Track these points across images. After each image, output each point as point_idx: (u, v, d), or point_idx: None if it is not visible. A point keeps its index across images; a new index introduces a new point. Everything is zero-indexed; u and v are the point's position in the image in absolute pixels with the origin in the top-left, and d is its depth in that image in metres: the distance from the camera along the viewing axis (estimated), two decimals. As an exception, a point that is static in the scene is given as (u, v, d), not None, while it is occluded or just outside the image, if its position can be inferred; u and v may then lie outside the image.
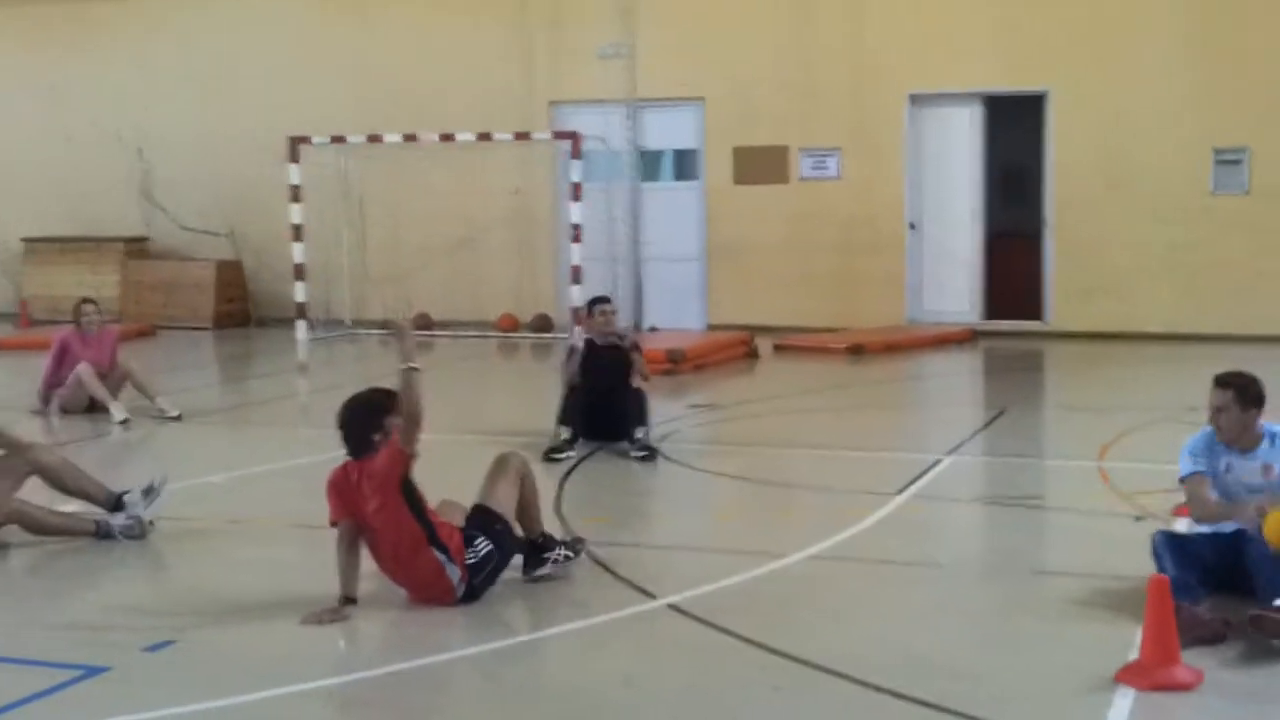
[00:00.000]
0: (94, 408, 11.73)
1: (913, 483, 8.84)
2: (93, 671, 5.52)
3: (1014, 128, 17.89)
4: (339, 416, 6.37)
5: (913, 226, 17.83)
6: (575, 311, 15.75)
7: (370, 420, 6.28)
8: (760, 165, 18.21)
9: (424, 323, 18.77)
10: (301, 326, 18.26)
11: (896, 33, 17.60)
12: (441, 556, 6.17)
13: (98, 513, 7.66)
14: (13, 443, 7.81)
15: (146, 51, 20.62)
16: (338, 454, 6.54)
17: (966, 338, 16.97)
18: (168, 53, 20.50)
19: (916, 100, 17.72)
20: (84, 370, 11.69)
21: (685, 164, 18.87)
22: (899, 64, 17.58)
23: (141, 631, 6.01)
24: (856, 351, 15.71)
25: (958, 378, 15.07)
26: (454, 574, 6.19)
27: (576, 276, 17.14)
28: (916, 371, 15.02)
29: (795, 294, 18.02)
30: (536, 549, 6.59)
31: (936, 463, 9.53)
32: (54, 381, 11.99)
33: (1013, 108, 17.71)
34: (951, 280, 17.92)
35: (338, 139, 18.39)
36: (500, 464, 6.66)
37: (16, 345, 17.24)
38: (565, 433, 9.90)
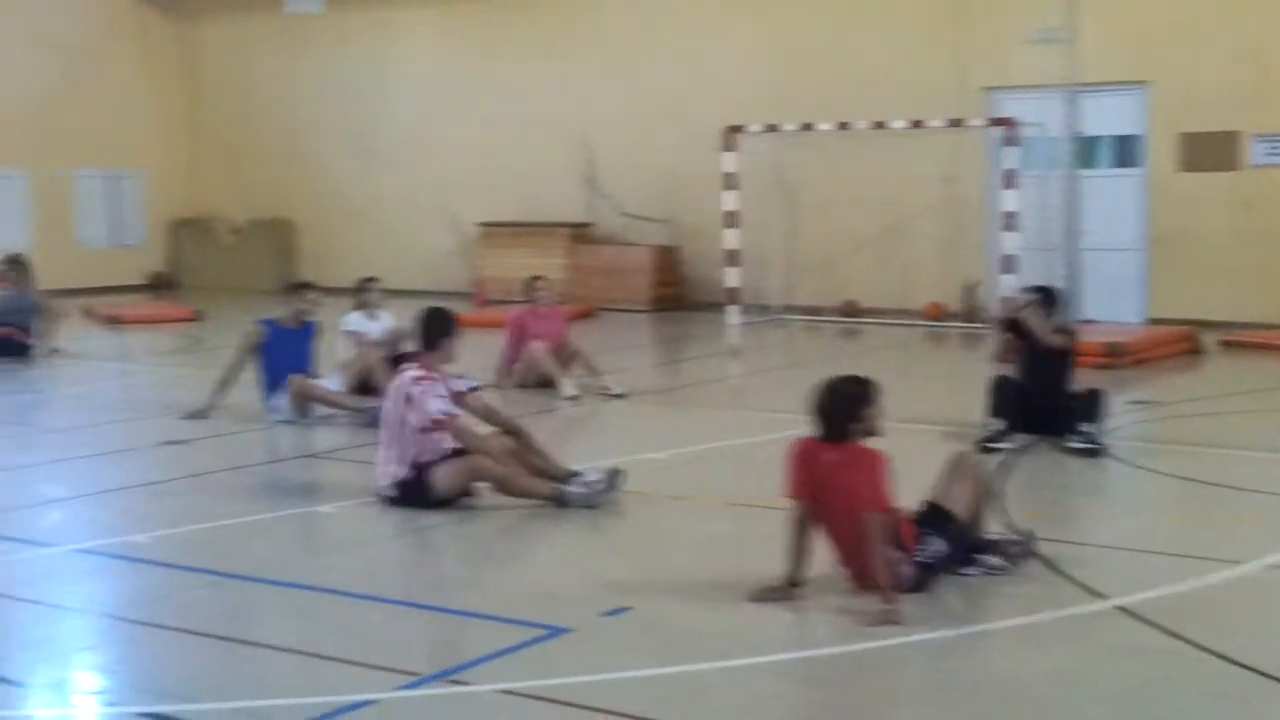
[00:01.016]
0: (546, 383, 12.45)
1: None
2: (555, 632, 5.91)
3: None
4: (819, 398, 6.31)
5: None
6: (1006, 300, 15.47)
7: (853, 409, 6.27)
8: (1208, 151, 17.32)
9: (851, 309, 18.91)
10: (733, 311, 18.72)
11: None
12: (897, 553, 6.22)
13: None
14: (501, 421, 8.42)
15: (584, 42, 21.58)
16: (769, 435, 6.74)
17: None
18: (604, 44, 21.39)
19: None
20: (538, 348, 12.44)
21: (1126, 150, 18.16)
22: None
23: (598, 597, 6.38)
24: (1314, 350, 14.75)
25: None
26: (906, 571, 6.24)
27: (1009, 266, 16.83)
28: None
29: (1244, 288, 17.05)
30: (974, 549, 6.56)
31: None
32: (513, 358, 12.81)
33: None
34: None
35: (771, 127, 18.74)
36: (958, 463, 6.68)
37: (474, 323, 18.38)
38: (998, 424, 9.79)
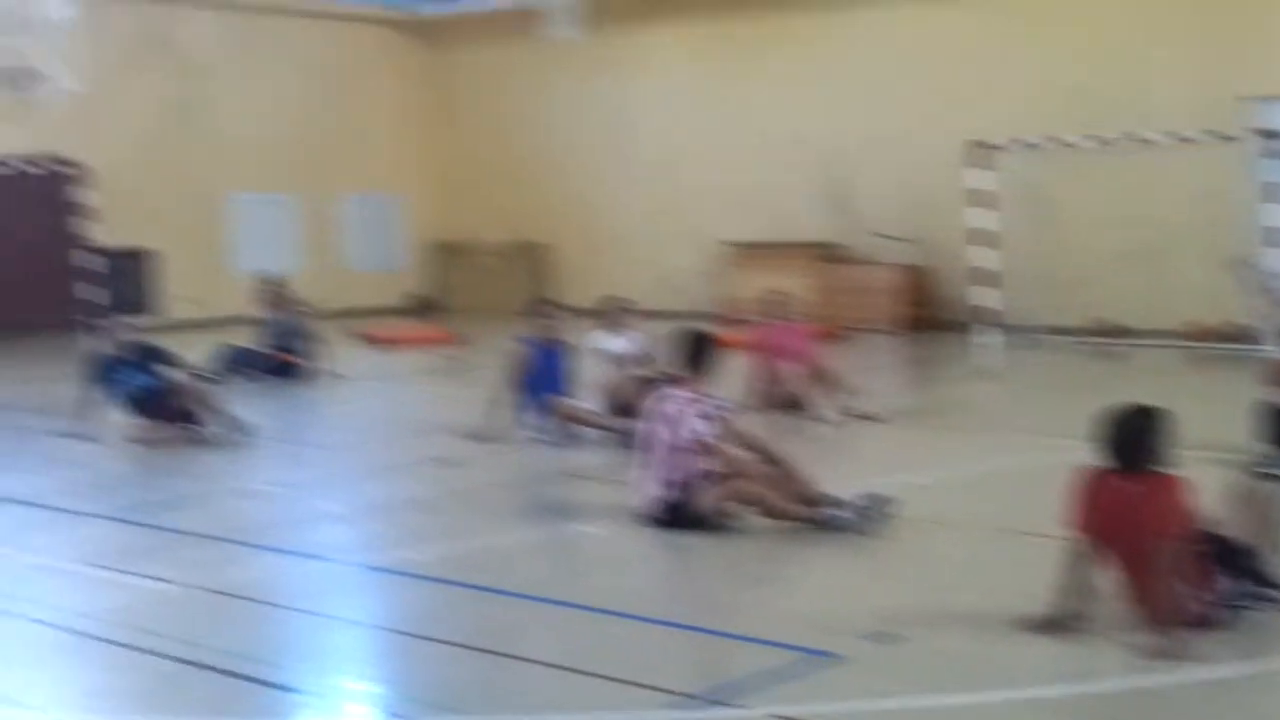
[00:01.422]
0: (798, 405, 12.45)
1: None
2: (822, 656, 5.94)
3: None
4: (1117, 426, 6.14)
5: None
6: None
7: (1148, 440, 6.11)
8: None
9: (1109, 329, 18.40)
10: (983, 332, 18.42)
11: None
12: (1188, 587, 6.03)
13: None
14: (755, 444, 8.51)
15: (832, 62, 21.53)
16: (1032, 460, 6.60)
17: None
18: (852, 62, 21.31)
19: None
20: (791, 369, 12.45)
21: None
22: None
23: (866, 622, 6.36)
24: None
25: None
26: (1195, 606, 6.05)
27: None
28: None
29: None
30: (1262, 582, 6.31)
31: None
32: (762, 377, 12.86)
33: None
34: None
35: (1022, 142, 18.39)
36: (1245, 494, 6.47)
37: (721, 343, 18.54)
38: (1270, 450, 9.39)
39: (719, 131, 22.81)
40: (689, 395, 8.27)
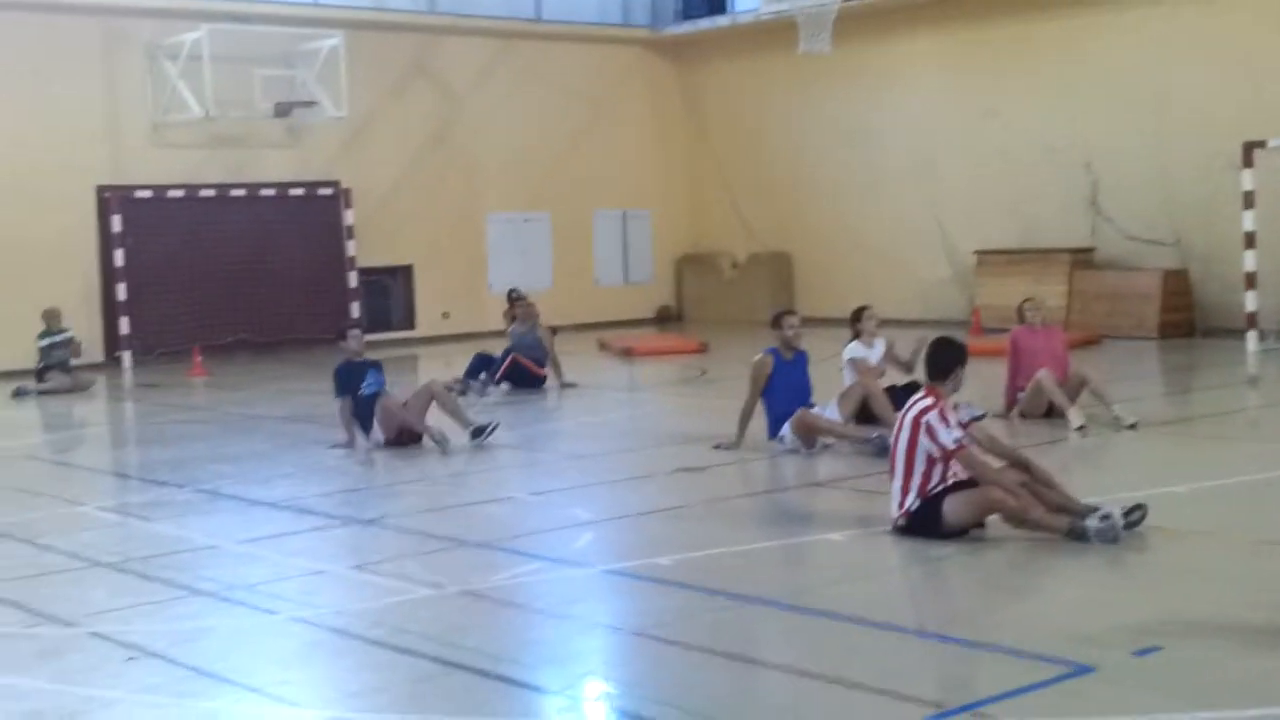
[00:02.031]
0: (1051, 413, 12.13)
1: None
2: (1080, 670, 5.74)
3: None
4: None
5: None
6: None
7: None
8: None
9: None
10: (1252, 337, 17.60)
11: None
12: None
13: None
14: (1005, 453, 8.35)
15: (1081, 66, 20.93)
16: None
17: None
18: (1103, 65, 20.67)
19: None
20: (1044, 376, 12.14)
21: None
22: None
23: (1123, 635, 6.15)
24: None
25: None
26: None
27: None
28: None
29: None
30: None
31: None
32: (1015, 381, 12.57)
33: None
34: None
35: (1292, 142, 17.54)
36: None
37: (970, 351, 18.18)
38: None
39: (971, 139, 22.45)
40: (939, 403, 8.13)
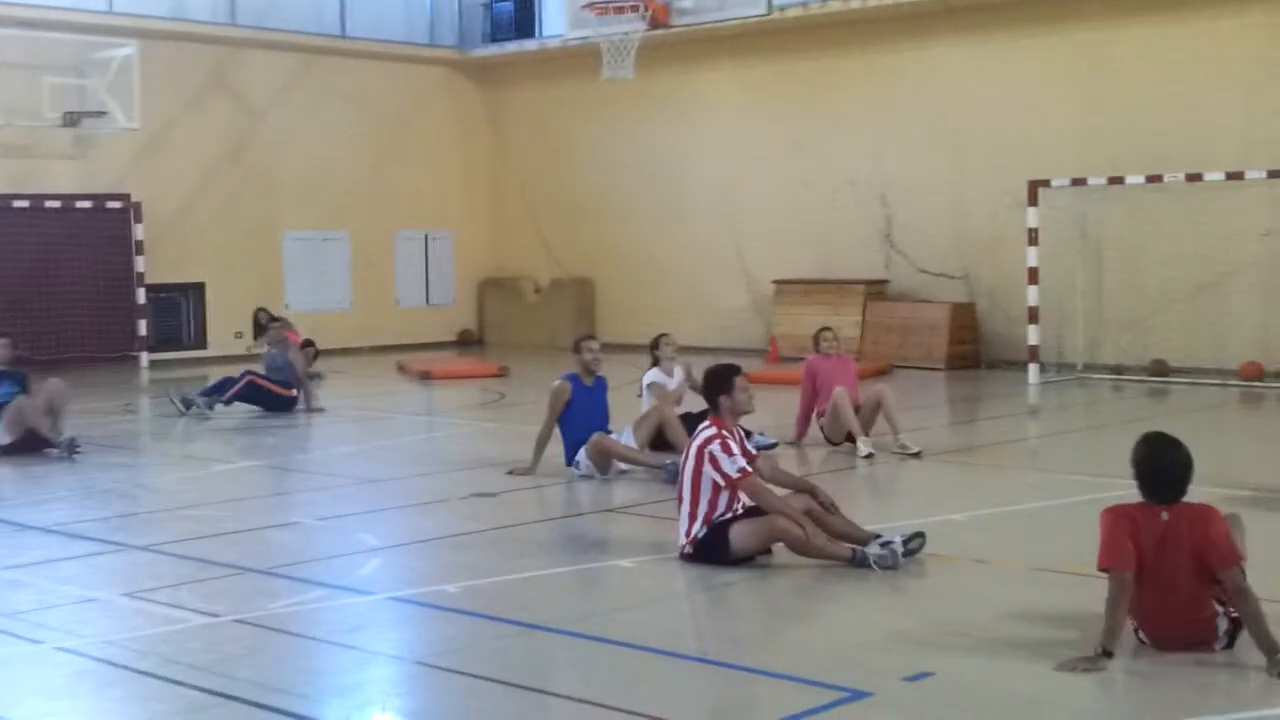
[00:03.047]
0: (847, 438, 12.35)
1: None
2: (856, 695, 5.83)
3: None
4: (1153, 458, 6.20)
5: None
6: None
7: (1189, 472, 6.21)
8: None
9: (1160, 369, 18.21)
10: (1033, 370, 18.24)
11: None
12: (1217, 608, 6.10)
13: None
14: (791, 481, 8.47)
15: (883, 102, 21.49)
16: (1071, 499, 6.51)
17: None
18: (903, 102, 21.27)
19: None
20: (840, 394, 12.30)
21: None
22: None
23: (899, 659, 6.27)
24: None
25: None
26: (1222, 625, 6.13)
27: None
28: None
29: None
30: None
31: None
32: (809, 408, 12.77)
33: None
34: None
35: (1078, 181, 18.25)
36: (1235, 522, 6.44)
37: (766, 380, 18.47)
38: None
39: (772, 170, 22.82)
40: (721, 432, 8.20)
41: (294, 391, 16.01)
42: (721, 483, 8.06)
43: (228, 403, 15.82)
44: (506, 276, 26.51)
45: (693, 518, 8.15)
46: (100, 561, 8.74)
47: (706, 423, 8.39)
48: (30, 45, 20.29)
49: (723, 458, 8.05)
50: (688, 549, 8.18)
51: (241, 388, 15.87)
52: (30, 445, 12.91)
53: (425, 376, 20.03)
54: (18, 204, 21.15)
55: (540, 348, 23.85)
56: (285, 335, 16.68)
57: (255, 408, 15.87)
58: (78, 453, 12.70)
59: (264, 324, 17.12)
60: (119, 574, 8.37)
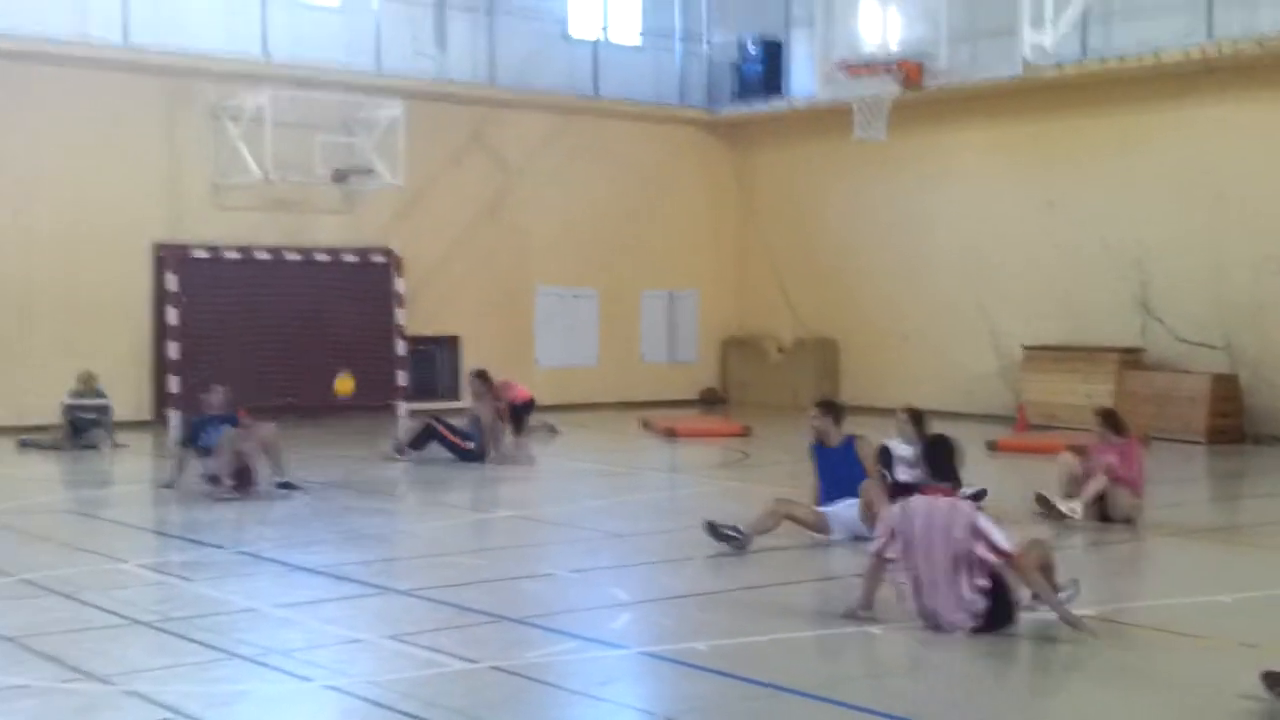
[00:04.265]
0: (1107, 517, 12.02)
1: None
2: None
3: None
4: None
5: None
6: None
7: None
8: None
9: None
10: (1301, 445, 17.46)
11: None
12: None
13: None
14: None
15: (1138, 162, 20.94)
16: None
17: None
18: (1159, 162, 20.69)
19: None
20: (1096, 481, 11.98)
21: None
22: None
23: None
24: None
25: None
26: None
27: None
28: None
29: None
30: None
31: None
32: (1068, 486, 12.42)
33: None
34: None
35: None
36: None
37: (1013, 448, 18.11)
38: None
39: (1023, 232, 22.45)
40: (954, 502, 8.08)
41: (470, 444, 16.55)
42: (991, 557, 7.91)
43: (415, 447, 16.57)
44: (750, 335, 26.64)
45: (936, 586, 8.00)
46: (364, 603, 9.09)
47: (935, 492, 8.21)
48: (304, 105, 21.34)
49: (995, 531, 7.93)
50: (969, 623, 8.02)
51: (420, 432, 16.69)
52: (247, 482, 13.67)
53: (670, 434, 20.23)
54: (289, 256, 22.25)
55: (783, 408, 23.84)
56: (485, 389, 17.14)
57: (450, 455, 16.59)
58: (295, 489, 13.69)
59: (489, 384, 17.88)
60: (382, 616, 8.69)
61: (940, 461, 8.39)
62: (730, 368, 26.82)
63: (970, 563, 7.93)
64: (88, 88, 20.83)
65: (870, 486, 11.05)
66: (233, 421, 14.07)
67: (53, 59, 20.35)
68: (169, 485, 14.04)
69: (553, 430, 19.78)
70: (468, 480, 15.51)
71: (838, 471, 11.38)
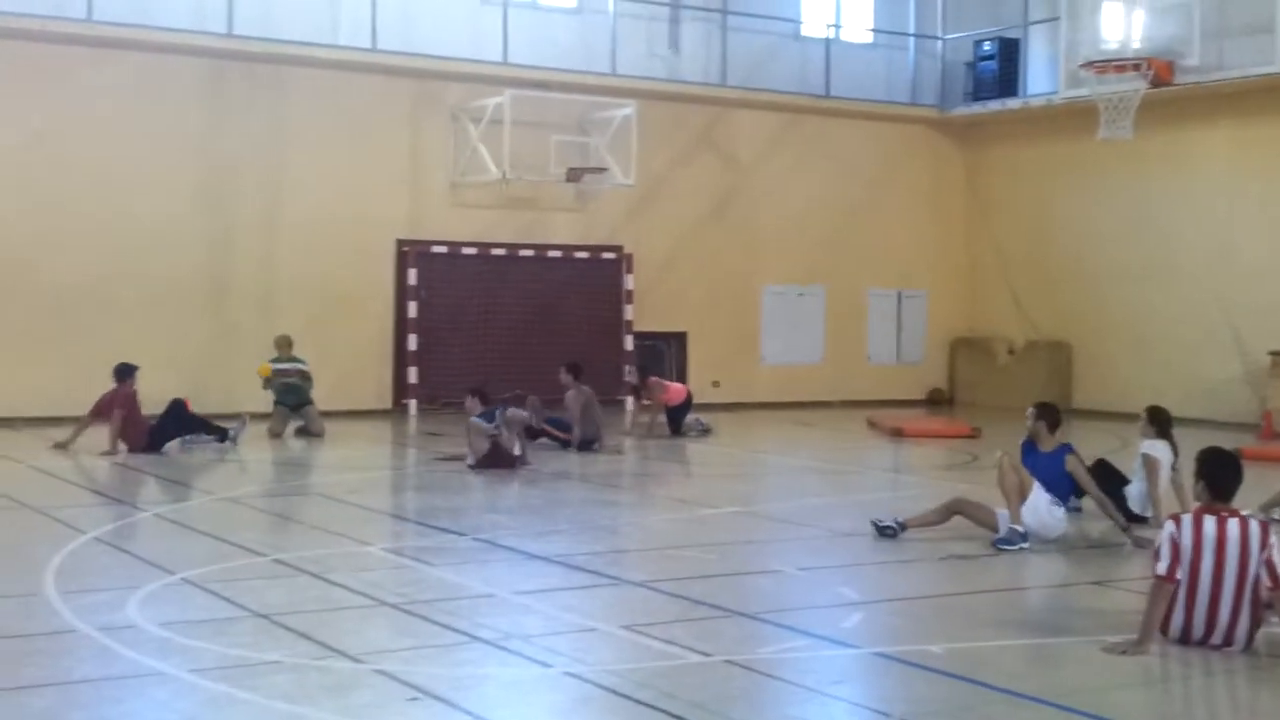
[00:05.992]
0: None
1: None
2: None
3: None
4: None
5: None
6: None
7: None
8: None
9: None
10: None
11: None
12: None
13: None
14: None
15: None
16: None
17: None
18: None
19: None
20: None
21: None
22: None
23: None
24: None
25: None
26: None
27: None
28: None
29: None
30: None
31: None
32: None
33: None
34: None
35: None
36: None
37: (1258, 457, 17.43)
38: None
39: (1268, 234, 21.62)
40: (1246, 524, 7.79)
41: (567, 435, 17.52)
42: (1269, 584, 7.67)
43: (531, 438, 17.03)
44: (979, 337, 26.22)
45: (1236, 614, 7.74)
46: (598, 593, 9.30)
47: (1209, 510, 7.93)
48: (540, 105, 21.84)
49: (1238, 542, 7.68)
50: (1239, 648, 7.76)
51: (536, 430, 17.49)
52: (495, 462, 15.03)
53: (896, 433, 20.07)
54: (523, 252, 22.79)
55: (1012, 410, 23.25)
56: (573, 381, 17.86)
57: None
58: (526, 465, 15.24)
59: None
60: (616, 606, 8.88)
61: (1226, 480, 8.00)
62: (958, 369, 26.45)
63: (1253, 588, 7.69)
64: (338, 91, 21.68)
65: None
66: (490, 417, 15.33)
67: (305, 62, 21.25)
68: (474, 466, 15.16)
69: (705, 429, 19.73)
70: (691, 475, 15.67)
71: (1042, 476, 11.25)
